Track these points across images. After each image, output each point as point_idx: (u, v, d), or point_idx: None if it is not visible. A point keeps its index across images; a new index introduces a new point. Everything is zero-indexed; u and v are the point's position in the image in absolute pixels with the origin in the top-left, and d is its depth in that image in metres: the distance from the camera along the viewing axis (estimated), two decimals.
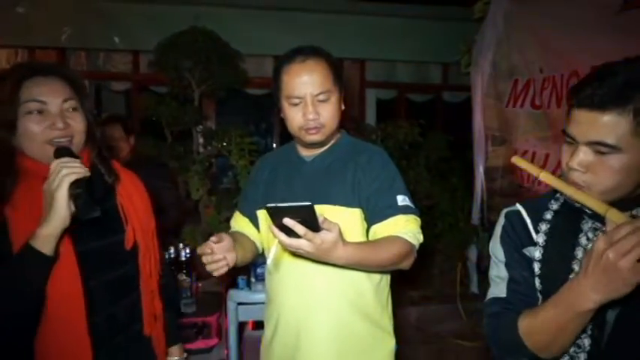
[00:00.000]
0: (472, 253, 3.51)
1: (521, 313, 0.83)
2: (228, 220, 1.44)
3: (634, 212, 0.81)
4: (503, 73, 3.00)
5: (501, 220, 0.97)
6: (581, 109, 0.77)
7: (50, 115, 1.01)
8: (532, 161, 2.72)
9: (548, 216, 0.90)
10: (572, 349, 0.83)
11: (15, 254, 0.92)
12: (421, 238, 1.22)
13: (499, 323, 0.87)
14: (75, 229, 0.97)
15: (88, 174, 0.95)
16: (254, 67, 4.06)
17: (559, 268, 0.84)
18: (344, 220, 1.14)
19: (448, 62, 4.50)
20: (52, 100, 1.01)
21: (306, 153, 1.28)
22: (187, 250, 2.10)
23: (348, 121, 4.28)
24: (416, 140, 3.42)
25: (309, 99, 1.16)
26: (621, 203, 0.79)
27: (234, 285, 1.92)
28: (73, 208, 0.93)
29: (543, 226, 0.90)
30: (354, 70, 4.90)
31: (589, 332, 0.81)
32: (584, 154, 0.77)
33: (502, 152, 3.04)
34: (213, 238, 1.10)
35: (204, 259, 1.11)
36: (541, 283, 0.87)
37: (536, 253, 0.88)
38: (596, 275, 0.69)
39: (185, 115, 3.25)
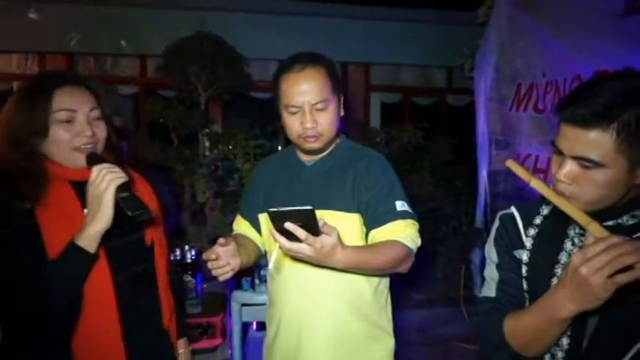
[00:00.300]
0: (476, 257, 3.52)
1: (508, 315, 0.87)
2: (233, 222, 1.47)
3: (620, 220, 0.83)
4: (506, 77, 3.02)
5: (496, 223, 1.00)
6: (567, 124, 0.79)
7: (78, 123, 1.06)
8: (535, 165, 2.73)
9: (538, 220, 0.93)
10: (551, 347, 0.86)
11: (61, 253, 0.98)
12: (419, 242, 1.23)
13: (487, 322, 0.90)
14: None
15: (127, 179, 1.02)
16: (259, 70, 4.10)
17: (543, 271, 0.87)
18: (343, 224, 1.16)
19: (452, 66, 4.52)
20: (80, 108, 1.07)
21: (305, 158, 1.30)
22: (193, 252, 2.14)
23: (353, 125, 4.31)
24: (420, 144, 3.43)
25: (307, 108, 1.17)
26: (608, 212, 0.82)
27: (238, 286, 1.95)
28: (126, 210, 0.99)
29: (532, 230, 0.92)
30: (359, 74, 4.94)
31: (568, 332, 0.84)
32: (570, 167, 0.80)
33: (505, 156, 3.05)
34: (221, 240, 1.13)
35: (210, 265, 1.14)
36: (527, 284, 0.90)
37: (524, 256, 0.91)
38: (572, 288, 0.73)
39: (191, 118, 3.29)
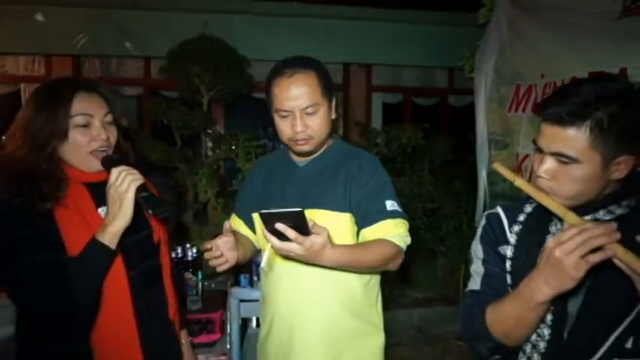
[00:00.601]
0: None
1: (489, 305, 0.91)
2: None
3: (597, 215, 0.88)
4: (505, 78, 3.03)
5: (483, 221, 1.05)
6: (547, 123, 0.86)
7: (94, 128, 1.12)
8: (533, 166, 2.74)
9: (522, 218, 0.98)
10: (533, 338, 0.89)
11: (84, 250, 1.03)
12: (409, 240, 1.26)
13: (471, 313, 0.94)
14: None
15: (144, 180, 1.08)
16: (262, 71, 4.13)
17: (526, 265, 0.90)
18: (335, 224, 1.20)
19: (454, 66, 4.55)
20: (96, 113, 1.13)
21: (298, 158, 1.33)
22: (194, 250, 2.18)
23: (354, 125, 4.34)
24: (420, 144, 3.46)
25: (297, 112, 1.19)
26: (586, 207, 0.87)
27: (236, 283, 2.00)
28: (148, 208, 1.07)
29: (516, 227, 0.97)
30: (361, 75, 4.97)
31: (549, 323, 0.88)
32: (549, 164, 0.86)
33: (504, 156, 3.07)
34: (226, 225, 1.20)
35: (206, 255, 1.20)
36: (511, 278, 0.94)
37: (508, 252, 0.96)
38: (547, 270, 0.77)
39: (194, 119, 3.34)
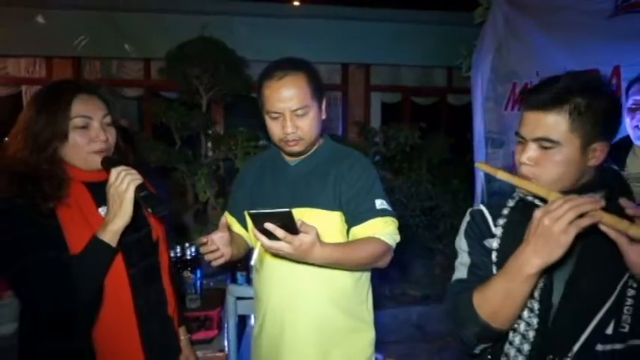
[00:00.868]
0: None
1: (476, 288, 0.93)
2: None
3: None
4: (501, 76, 3.05)
5: (467, 218, 1.08)
6: (529, 110, 0.91)
7: (93, 129, 1.14)
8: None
9: (505, 212, 1.01)
10: (522, 328, 0.92)
11: (86, 248, 1.06)
12: (398, 238, 1.28)
13: (457, 300, 0.96)
14: None
15: (142, 179, 1.10)
16: (260, 72, 4.17)
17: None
18: (325, 222, 1.22)
19: (452, 66, 4.57)
20: (95, 115, 1.15)
21: (289, 158, 1.35)
22: (192, 249, 2.21)
23: (352, 125, 4.37)
24: (417, 143, 3.48)
25: (287, 114, 1.21)
26: (566, 194, 0.89)
27: (233, 280, 2.03)
28: (148, 207, 1.09)
29: (501, 221, 1.00)
30: (360, 75, 5.00)
31: (537, 312, 0.90)
32: (532, 150, 0.90)
33: (501, 154, 3.09)
34: (221, 228, 1.22)
35: (202, 249, 1.23)
36: (497, 269, 0.96)
37: (494, 244, 0.99)
38: (535, 240, 0.80)
39: (193, 120, 3.37)
